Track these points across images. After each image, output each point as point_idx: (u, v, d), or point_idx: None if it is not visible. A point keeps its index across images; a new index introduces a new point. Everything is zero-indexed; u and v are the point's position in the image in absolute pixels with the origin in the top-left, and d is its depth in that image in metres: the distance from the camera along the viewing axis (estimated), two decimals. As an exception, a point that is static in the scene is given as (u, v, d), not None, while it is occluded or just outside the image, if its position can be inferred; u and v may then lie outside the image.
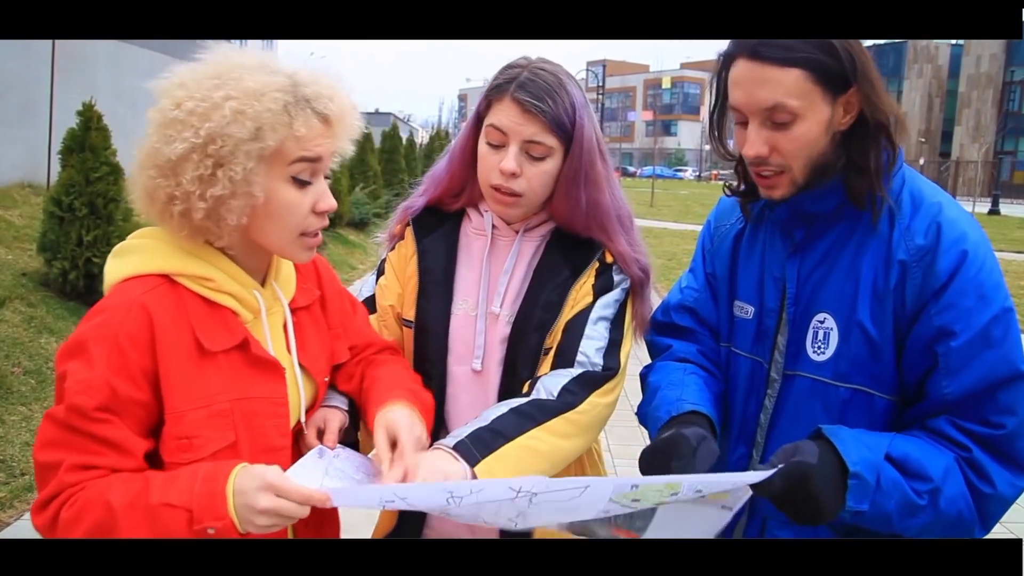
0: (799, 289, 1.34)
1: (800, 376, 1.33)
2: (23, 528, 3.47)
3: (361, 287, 1.65)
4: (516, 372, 1.47)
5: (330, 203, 1.21)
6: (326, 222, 1.23)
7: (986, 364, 1.19)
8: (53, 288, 5.71)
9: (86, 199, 5.57)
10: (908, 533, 1.21)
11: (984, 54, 51.14)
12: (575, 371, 1.40)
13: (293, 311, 1.30)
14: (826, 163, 1.27)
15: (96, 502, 1.04)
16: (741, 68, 1.24)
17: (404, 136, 19.98)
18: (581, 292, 1.48)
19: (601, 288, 1.48)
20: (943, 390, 1.21)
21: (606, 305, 1.47)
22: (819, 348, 1.30)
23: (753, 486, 1.14)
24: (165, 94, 1.13)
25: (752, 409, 1.41)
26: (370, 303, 1.58)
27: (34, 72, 7.94)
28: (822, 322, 1.30)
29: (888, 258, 1.25)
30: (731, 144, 1.41)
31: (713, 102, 1.35)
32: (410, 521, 1.54)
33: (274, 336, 1.25)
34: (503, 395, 1.47)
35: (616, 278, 1.50)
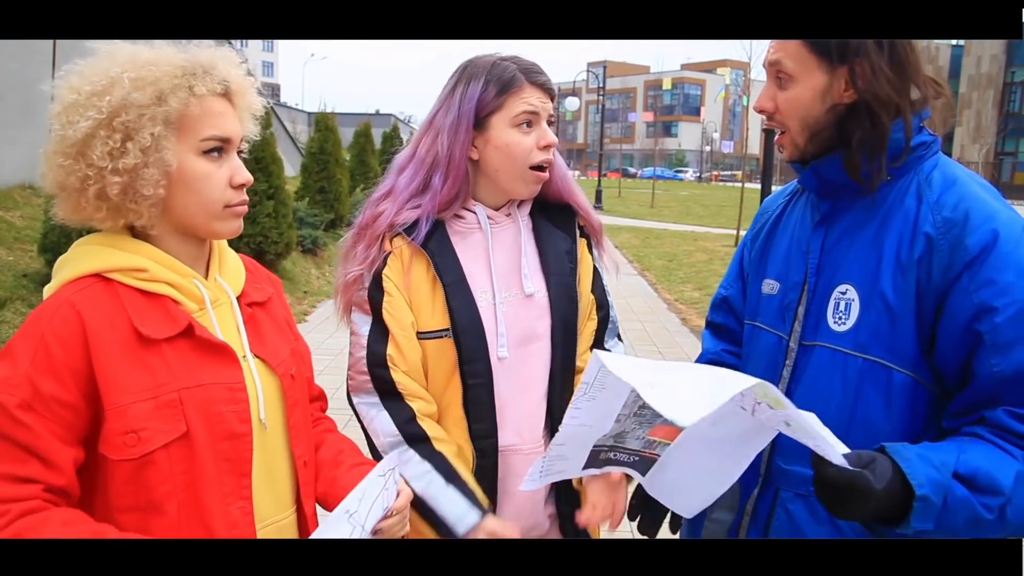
0: (822, 260, 1.36)
1: (819, 346, 1.34)
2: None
3: (352, 335, 1.54)
4: (567, 338, 1.60)
5: (246, 176, 1.21)
6: (245, 196, 1.23)
7: None
8: (54, 289, 5.71)
9: (87, 200, 5.57)
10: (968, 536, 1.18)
11: (985, 55, 51.11)
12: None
13: (247, 305, 1.28)
14: (824, 131, 1.33)
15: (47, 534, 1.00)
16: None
17: (405, 137, 19.99)
18: (583, 253, 1.68)
19: (590, 247, 1.71)
20: (992, 368, 1.18)
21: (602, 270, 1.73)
22: (840, 319, 1.31)
23: (815, 482, 1.13)
24: (61, 87, 1.14)
25: (772, 382, 1.40)
26: (377, 338, 1.49)
27: (35, 73, 7.92)
28: (844, 293, 1.32)
29: (914, 230, 1.26)
30: None
31: None
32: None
33: (224, 327, 1.23)
34: (561, 361, 1.59)
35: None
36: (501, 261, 1.58)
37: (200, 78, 1.16)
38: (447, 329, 1.50)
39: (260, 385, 1.22)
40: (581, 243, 1.68)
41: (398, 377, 1.49)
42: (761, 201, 9.57)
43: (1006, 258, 1.19)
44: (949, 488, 1.14)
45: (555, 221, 1.65)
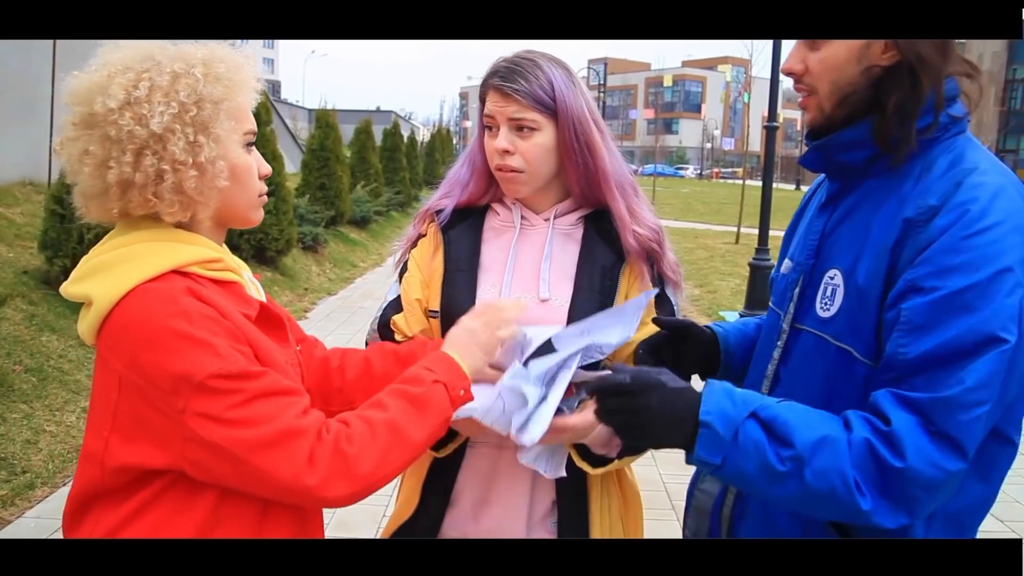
0: (821, 243, 1.34)
1: (806, 331, 1.32)
2: (24, 527, 3.47)
3: (387, 292, 1.69)
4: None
5: (268, 167, 1.27)
6: (265, 187, 1.29)
7: (953, 329, 1.09)
8: (54, 286, 5.71)
9: (87, 197, 5.57)
10: (778, 502, 1.20)
11: (986, 52, 51.00)
12: None
13: None
14: (854, 96, 1.25)
15: (369, 430, 1.12)
16: None
17: (405, 134, 19.97)
18: (632, 275, 1.57)
19: (660, 273, 1.60)
20: (898, 349, 1.13)
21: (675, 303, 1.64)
22: (826, 305, 1.28)
23: (608, 369, 1.25)
24: (102, 88, 1.09)
25: (765, 362, 1.41)
26: (394, 305, 1.63)
27: (35, 70, 7.93)
28: (832, 278, 1.28)
29: (896, 216, 1.19)
30: None
31: None
32: (428, 514, 1.58)
33: None
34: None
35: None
36: (524, 262, 1.59)
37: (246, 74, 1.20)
38: (437, 312, 1.58)
39: None
40: (641, 267, 1.57)
41: (398, 338, 1.61)
42: (762, 198, 9.39)
43: (960, 242, 1.11)
44: (741, 425, 1.14)
45: (607, 236, 1.57)
